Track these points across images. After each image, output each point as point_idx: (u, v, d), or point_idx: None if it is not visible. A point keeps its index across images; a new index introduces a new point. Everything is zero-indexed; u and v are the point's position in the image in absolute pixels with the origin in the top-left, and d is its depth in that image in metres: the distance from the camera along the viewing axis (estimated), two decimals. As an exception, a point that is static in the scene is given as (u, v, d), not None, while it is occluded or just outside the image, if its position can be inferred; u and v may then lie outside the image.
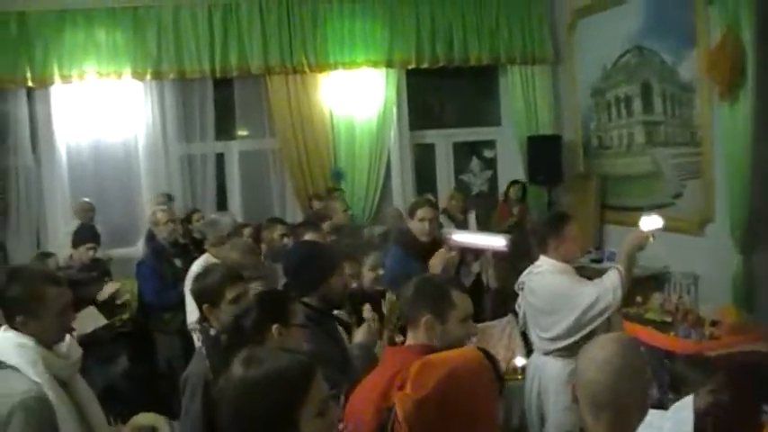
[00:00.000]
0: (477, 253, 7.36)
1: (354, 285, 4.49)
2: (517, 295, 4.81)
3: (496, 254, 7.22)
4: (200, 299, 3.54)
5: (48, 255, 6.61)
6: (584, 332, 4.20)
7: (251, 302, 3.24)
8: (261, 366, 1.94)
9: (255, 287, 4.49)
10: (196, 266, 5.30)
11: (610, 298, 4.16)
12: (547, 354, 4.50)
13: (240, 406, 1.91)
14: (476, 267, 6.76)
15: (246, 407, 1.90)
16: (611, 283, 4.18)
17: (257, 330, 2.96)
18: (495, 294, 7.91)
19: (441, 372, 2.40)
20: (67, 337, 2.94)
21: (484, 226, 8.31)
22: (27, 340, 2.72)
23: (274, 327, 2.98)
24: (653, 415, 2.49)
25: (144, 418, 3.07)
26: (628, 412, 2.18)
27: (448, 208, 8.36)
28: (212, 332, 3.43)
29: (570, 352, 4.12)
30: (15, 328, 2.76)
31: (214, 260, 5.22)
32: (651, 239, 4.21)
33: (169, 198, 8.03)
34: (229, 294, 3.45)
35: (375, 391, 2.60)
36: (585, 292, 4.24)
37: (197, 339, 4.99)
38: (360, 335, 3.72)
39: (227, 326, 3.33)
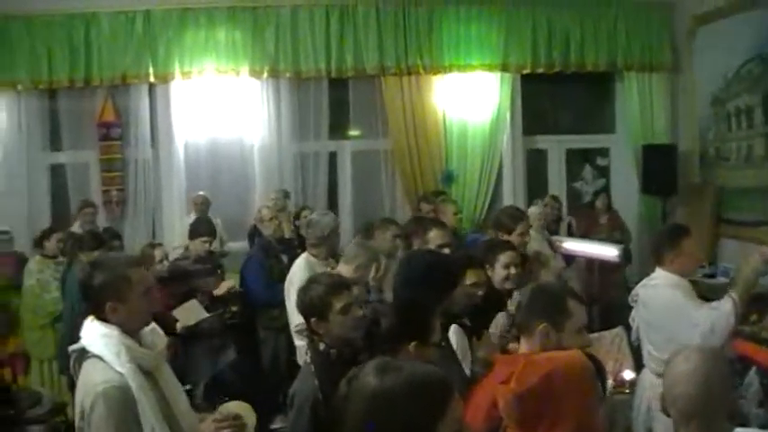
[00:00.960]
0: (568, 262, 7.30)
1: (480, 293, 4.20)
2: (627, 307, 4.65)
3: (603, 264, 7.13)
4: (306, 313, 3.36)
5: (155, 245, 6.74)
6: None
7: (387, 312, 3.14)
8: (399, 375, 1.81)
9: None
10: (296, 266, 5.33)
11: (723, 325, 3.93)
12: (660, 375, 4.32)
13: (374, 418, 1.78)
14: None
15: (382, 419, 1.77)
16: (724, 310, 3.96)
17: (391, 347, 2.85)
18: (603, 305, 7.75)
19: (543, 369, 2.43)
20: (153, 326, 2.96)
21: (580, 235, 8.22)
22: (112, 330, 2.73)
23: (412, 344, 2.87)
24: None
25: (232, 407, 3.10)
26: (716, 419, 2.28)
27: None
28: (321, 347, 3.28)
29: None
30: (103, 319, 2.77)
31: (313, 260, 5.25)
32: None
33: (285, 195, 8.11)
34: (337, 304, 3.27)
35: (486, 400, 2.59)
36: (701, 316, 3.99)
37: (297, 340, 5.05)
38: (482, 349, 3.63)
39: (335, 340, 3.26)
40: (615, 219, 8.67)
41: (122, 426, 2.62)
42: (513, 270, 4.52)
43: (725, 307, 3.96)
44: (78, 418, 2.71)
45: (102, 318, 2.76)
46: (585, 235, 8.17)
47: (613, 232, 8.37)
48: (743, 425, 2.83)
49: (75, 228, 7.67)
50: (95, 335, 2.74)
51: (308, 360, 3.29)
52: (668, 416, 2.36)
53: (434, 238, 5.00)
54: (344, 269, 4.55)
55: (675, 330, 4.07)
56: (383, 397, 1.78)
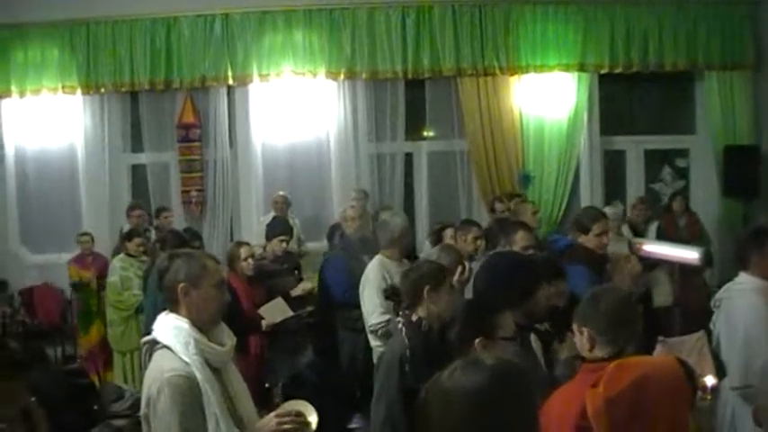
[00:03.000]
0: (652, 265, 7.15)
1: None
2: (709, 312, 4.50)
3: (683, 267, 6.97)
4: (421, 283, 3.55)
5: (242, 243, 6.80)
6: None
7: (456, 312, 3.19)
8: (485, 371, 1.85)
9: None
10: (370, 267, 5.26)
11: None
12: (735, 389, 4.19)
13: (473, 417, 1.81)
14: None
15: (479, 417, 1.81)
16: None
17: (461, 343, 2.93)
18: (684, 309, 7.60)
19: (634, 374, 2.40)
20: (223, 326, 2.97)
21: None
22: (183, 323, 2.78)
23: (477, 340, 2.91)
24: None
25: (294, 404, 3.09)
26: None
27: (630, 217, 8.09)
28: (414, 318, 3.46)
29: None
30: (176, 312, 2.83)
31: (387, 261, 5.18)
32: None
33: (365, 195, 8.14)
34: (449, 283, 3.48)
35: (572, 409, 2.52)
36: None
37: (373, 340, 5.01)
38: (565, 351, 3.58)
39: (431, 315, 3.43)
40: (694, 221, 8.49)
41: (187, 413, 2.66)
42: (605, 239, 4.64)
43: None
44: (144, 404, 2.76)
45: (176, 310, 2.83)
46: (666, 239, 7.99)
47: (693, 235, 8.18)
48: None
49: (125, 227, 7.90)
50: (167, 326, 2.81)
51: (400, 326, 3.48)
52: (759, 426, 2.24)
53: (519, 240, 4.95)
54: None
55: (752, 358, 3.93)
56: (487, 391, 1.81)
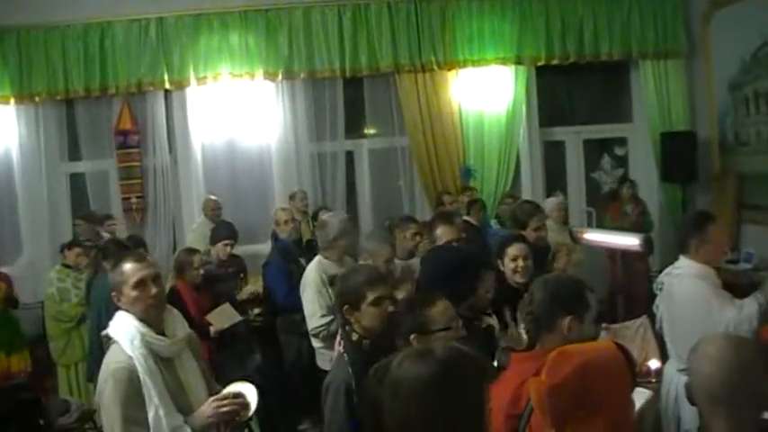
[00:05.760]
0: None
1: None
2: (652, 297, 4.60)
3: (626, 254, 7.07)
4: (342, 300, 3.46)
5: (194, 251, 6.75)
6: None
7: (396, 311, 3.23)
8: (434, 361, 1.90)
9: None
10: (309, 269, 5.24)
11: (745, 329, 3.86)
12: (681, 371, 4.27)
13: (423, 405, 1.86)
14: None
15: (429, 405, 1.86)
16: (748, 312, 3.91)
17: (404, 344, 2.95)
18: (627, 295, 7.70)
19: (576, 361, 2.41)
20: (176, 315, 3.26)
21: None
22: (131, 319, 3.05)
23: (412, 337, 2.97)
24: None
25: (236, 387, 3.22)
26: (744, 406, 2.17)
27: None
28: (354, 337, 3.36)
29: None
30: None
31: (326, 261, 5.16)
32: None
33: (304, 195, 8.15)
34: (371, 296, 3.34)
35: (504, 398, 2.56)
36: (724, 318, 3.93)
37: (315, 342, 5.02)
38: (505, 341, 3.63)
39: (364, 331, 3.33)
40: (641, 208, 8.60)
41: (127, 403, 2.90)
42: (521, 263, 4.49)
43: (749, 309, 3.91)
44: (97, 395, 3.04)
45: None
46: (611, 225, 8.09)
47: (639, 222, 8.29)
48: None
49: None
50: (118, 323, 3.08)
51: (342, 350, 3.37)
52: (693, 404, 2.29)
53: (442, 234, 5.06)
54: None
55: (697, 332, 4.02)
56: (434, 381, 1.85)
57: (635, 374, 2.82)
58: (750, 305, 3.93)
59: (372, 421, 1.98)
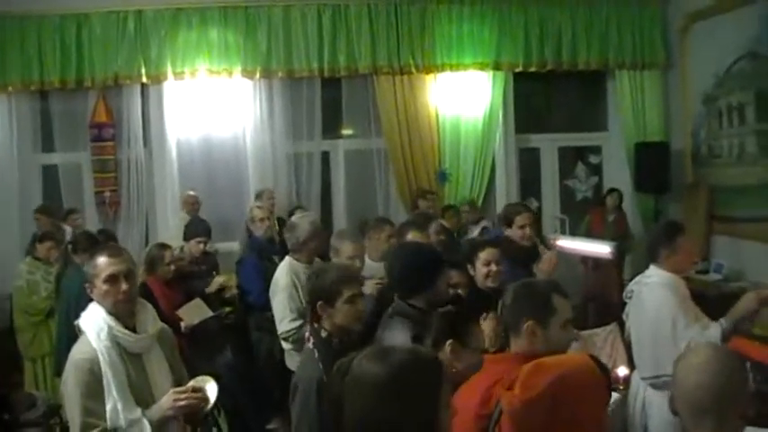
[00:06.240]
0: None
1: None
2: (623, 304, 4.64)
3: (597, 262, 7.13)
4: (315, 297, 3.44)
5: (165, 246, 6.71)
6: None
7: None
8: (394, 361, 1.94)
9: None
10: (279, 270, 5.22)
11: None
12: (644, 379, 4.32)
13: (381, 404, 1.89)
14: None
15: (387, 404, 1.88)
16: (711, 334, 3.94)
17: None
18: (599, 303, 7.77)
19: (551, 375, 2.38)
20: (149, 311, 3.29)
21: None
22: (102, 311, 3.10)
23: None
24: None
25: (197, 381, 3.26)
26: (730, 417, 2.14)
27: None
28: (323, 334, 3.37)
29: None
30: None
31: (296, 263, 5.14)
32: None
33: (272, 194, 8.13)
34: (346, 293, 3.36)
35: (474, 399, 2.56)
36: (688, 335, 3.96)
37: (285, 344, 5.00)
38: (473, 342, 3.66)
39: (336, 329, 3.36)
40: (622, 218, 8.71)
41: (88, 394, 2.95)
42: (494, 267, 4.50)
43: (713, 332, 3.95)
44: (62, 384, 3.11)
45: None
46: (591, 233, 8.15)
47: (619, 231, 8.38)
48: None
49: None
50: (88, 314, 3.13)
51: (311, 346, 3.36)
52: (676, 414, 2.29)
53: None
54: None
55: (660, 349, 4.06)
56: (386, 383, 1.89)
57: (610, 388, 2.82)
58: (714, 329, 3.97)
59: (335, 417, 2.02)
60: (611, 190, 8.91)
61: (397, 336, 3.44)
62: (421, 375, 1.91)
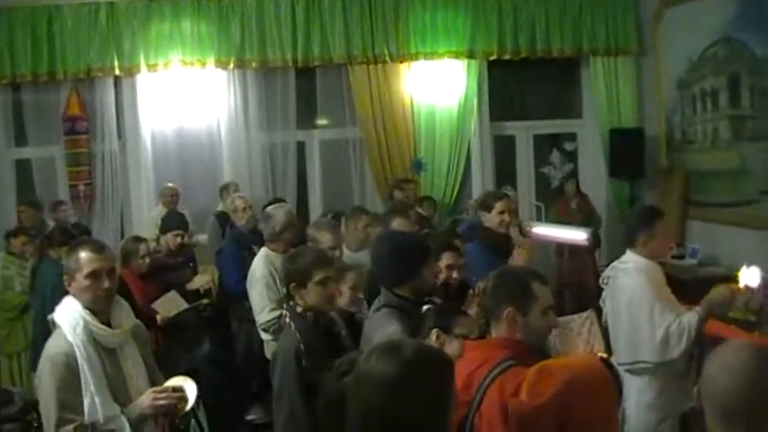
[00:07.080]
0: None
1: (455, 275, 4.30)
2: (598, 290, 4.62)
3: (573, 248, 7.16)
4: (289, 278, 3.63)
5: (140, 239, 6.68)
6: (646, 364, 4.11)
7: None
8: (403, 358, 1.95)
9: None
10: (256, 261, 5.23)
11: (682, 340, 3.97)
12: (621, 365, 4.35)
13: (394, 403, 1.89)
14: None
15: (399, 402, 1.89)
16: (686, 322, 3.98)
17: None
18: (575, 289, 7.80)
19: (559, 379, 2.33)
20: (122, 308, 3.26)
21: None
22: (77, 306, 3.06)
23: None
24: None
25: (175, 381, 3.25)
26: (762, 424, 1.96)
27: None
28: (299, 309, 3.55)
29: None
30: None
31: (272, 254, 5.15)
32: (745, 294, 4.11)
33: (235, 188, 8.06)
34: (317, 276, 3.53)
35: (456, 384, 2.55)
36: (664, 323, 4.00)
37: (264, 334, 5.03)
38: (459, 328, 3.68)
39: (309, 309, 3.53)
40: (586, 203, 8.73)
41: (63, 388, 2.92)
42: (454, 274, 4.36)
43: (689, 320, 3.98)
44: (36, 379, 3.12)
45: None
46: (557, 220, 8.18)
47: (585, 216, 8.40)
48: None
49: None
50: (64, 308, 3.09)
51: (288, 320, 3.54)
52: (700, 413, 2.11)
53: (398, 227, 5.13)
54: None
55: (637, 335, 4.10)
56: (397, 379, 1.89)
57: (620, 389, 2.79)
58: (691, 317, 3.99)
59: (332, 416, 2.06)
60: (566, 177, 9.04)
61: (388, 328, 3.43)
62: (432, 370, 1.93)
